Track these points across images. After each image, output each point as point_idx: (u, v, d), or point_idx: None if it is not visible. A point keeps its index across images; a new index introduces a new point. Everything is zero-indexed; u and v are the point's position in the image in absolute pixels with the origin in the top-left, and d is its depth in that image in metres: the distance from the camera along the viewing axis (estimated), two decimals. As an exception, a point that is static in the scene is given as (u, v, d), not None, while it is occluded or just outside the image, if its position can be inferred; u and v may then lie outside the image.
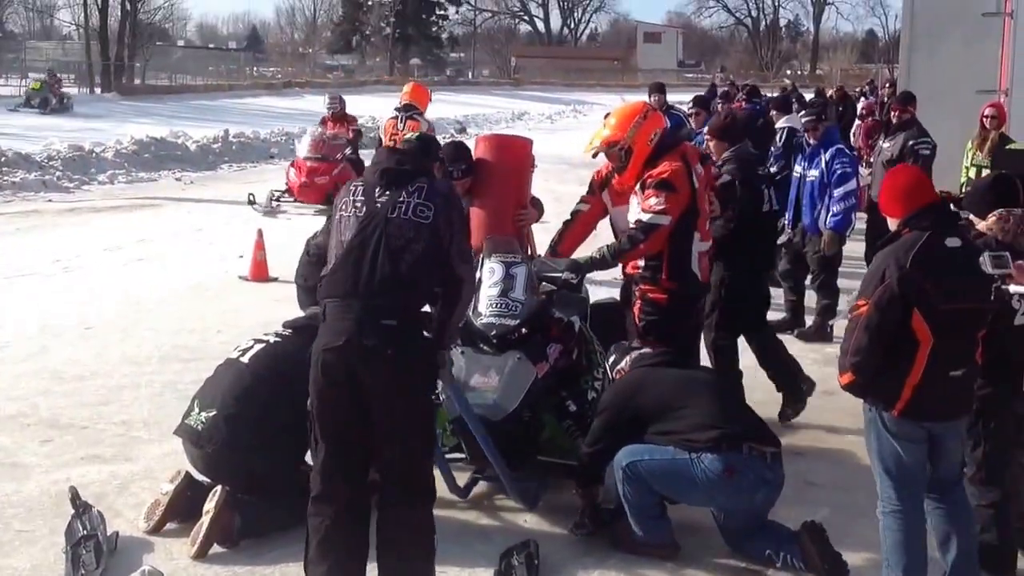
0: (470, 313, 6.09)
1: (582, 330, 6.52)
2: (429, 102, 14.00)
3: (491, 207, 6.95)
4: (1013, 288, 4.75)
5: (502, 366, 5.92)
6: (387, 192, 4.71)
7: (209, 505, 5.45)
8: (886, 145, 11.49)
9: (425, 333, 4.73)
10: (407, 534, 4.64)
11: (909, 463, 4.81)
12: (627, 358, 5.96)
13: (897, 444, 4.77)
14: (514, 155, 7.33)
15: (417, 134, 5.05)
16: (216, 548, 5.42)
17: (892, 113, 11.82)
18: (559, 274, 6.54)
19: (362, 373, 4.54)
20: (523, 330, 6.11)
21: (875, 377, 4.70)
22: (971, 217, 5.58)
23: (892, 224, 4.89)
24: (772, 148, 11.96)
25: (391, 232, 4.60)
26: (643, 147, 6.44)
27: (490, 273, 6.27)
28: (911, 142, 11.16)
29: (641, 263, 6.56)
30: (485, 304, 6.16)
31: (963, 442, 5.45)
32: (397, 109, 12.41)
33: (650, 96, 13.72)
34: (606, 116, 7.25)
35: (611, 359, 6.08)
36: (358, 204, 4.72)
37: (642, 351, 6.01)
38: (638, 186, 6.44)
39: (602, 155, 6.76)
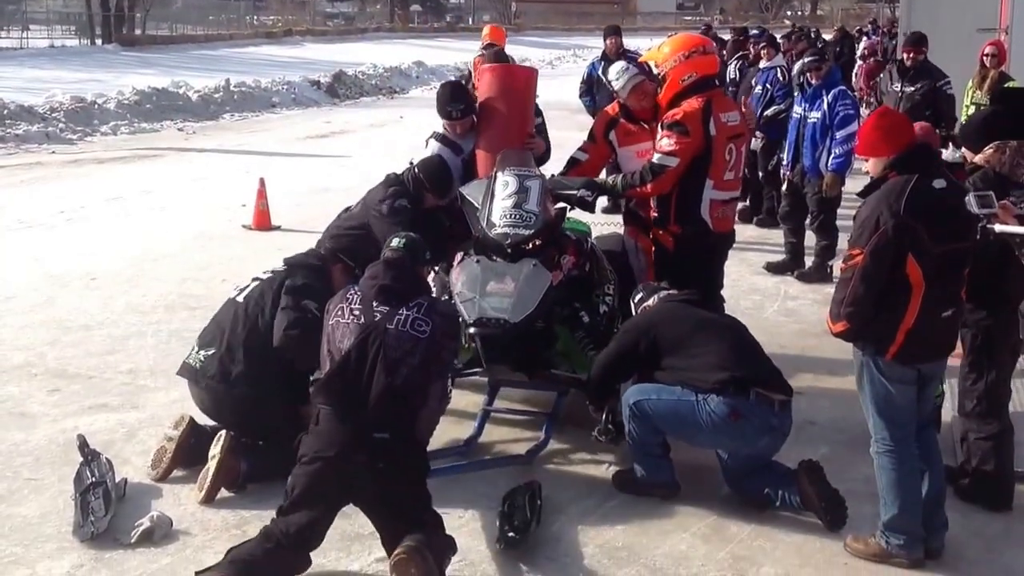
0: (484, 225, 6.18)
1: (593, 247, 6.61)
2: (506, 39, 14.41)
3: (500, 133, 6.98)
4: (999, 227, 4.77)
5: (518, 272, 5.99)
6: (385, 305, 4.80)
7: (215, 450, 5.52)
8: (909, 89, 10.92)
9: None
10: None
11: (902, 404, 4.87)
12: (655, 296, 5.98)
13: (891, 386, 4.82)
14: (519, 82, 7.38)
15: (404, 240, 5.10)
16: (223, 493, 5.50)
17: (905, 55, 11.17)
18: (574, 191, 6.61)
19: (353, 482, 4.64)
20: (537, 241, 6.18)
21: (867, 323, 4.73)
22: (964, 151, 5.62)
23: (873, 166, 4.89)
24: (768, 87, 11.89)
25: (389, 343, 4.70)
26: (674, 83, 6.50)
27: (504, 186, 6.32)
28: (939, 83, 10.84)
29: (655, 205, 6.61)
30: (499, 215, 6.21)
31: (963, 378, 5.53)
32: (483, 48, 13.11)
33: (605, 39, 13.42)
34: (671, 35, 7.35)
35: (638, 296, 6.10)
36: (356, 312, 4.82)
37: (670, 291, 6.03)
38: (659, 125, 6.52)
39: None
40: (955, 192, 4.85)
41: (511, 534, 5.08)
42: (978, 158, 5.42)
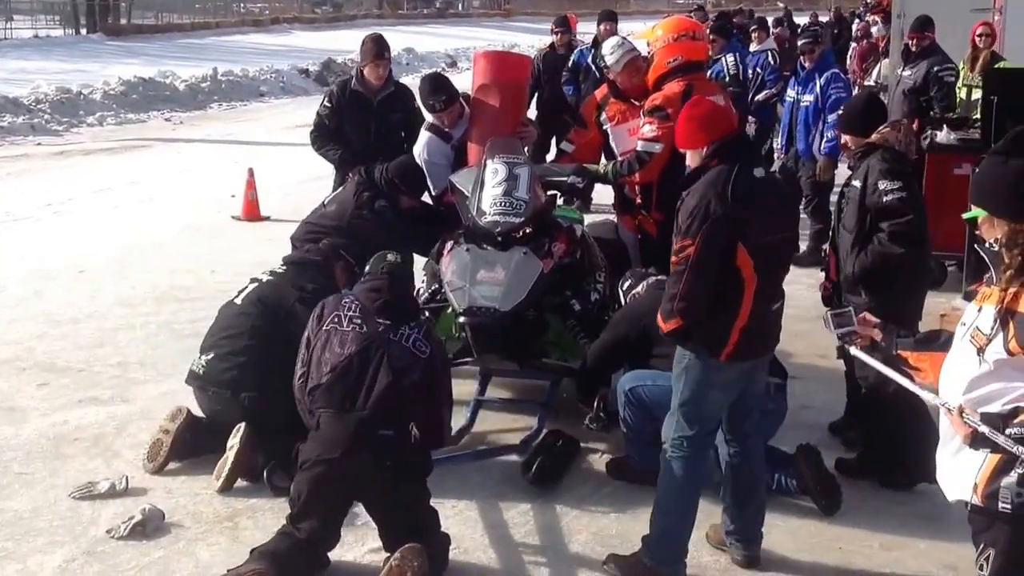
0: (473, 213, 6.14)
1: (584, 234, 6.57)
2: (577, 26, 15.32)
3: (493, 121, 6.92)
4: (853, 351, 4.26)
5: (508, 261, 5.98)
6: (388, 320, 4.83)
7: (233, 440, 5.50)
8: (906, 73, 10.82)
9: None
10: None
11: (718, 409, 4.71)
12: (643, 283, 5.97)
13: (713, 391, 4.63)
14: (513, 70, 7.34)
15: (394, 258, 5.31)
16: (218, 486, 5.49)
17: (910, 40, 10.97)
18: (564, 178, 6.59)
19: (359, 481, 4.61)
20: (527, 229, 6.15)
21: (700, 322, 4.53)
22: (846, 139, 5.61)
23: (691, 157, 4.75)
24: (759, 71, 11.83)
25: (393, 352, 4.72)
26: (659, 65, 6.52)
27: (493, 173, 6.29)
28: (935, 68, 10.57)
29: (638, 192, 6.59)
30: (489, 203, 6.19)
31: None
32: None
33: (599, 25, 13.10)
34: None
35: (626, 284, 6.09)
36: (356, 321, 4.82)
37: (659, 277, 5.98)
38: (641, 112, 6.51)
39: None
40: (773, 181, 4.86)
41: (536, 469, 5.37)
42: (874, 137, 5.42)
